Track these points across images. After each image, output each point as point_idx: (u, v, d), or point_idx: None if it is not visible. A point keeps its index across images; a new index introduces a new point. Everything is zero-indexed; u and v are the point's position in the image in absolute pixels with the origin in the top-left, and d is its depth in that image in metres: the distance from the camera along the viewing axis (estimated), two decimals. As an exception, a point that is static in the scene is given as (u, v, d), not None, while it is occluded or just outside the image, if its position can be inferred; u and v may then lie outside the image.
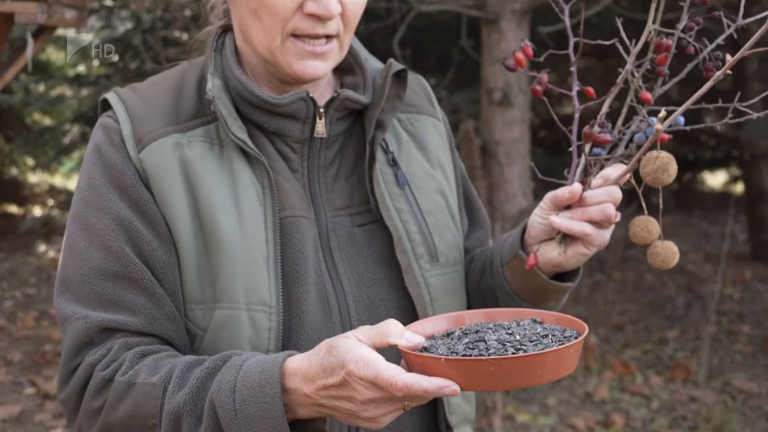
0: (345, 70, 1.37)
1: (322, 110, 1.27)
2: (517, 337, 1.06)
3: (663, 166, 1.16)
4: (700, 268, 7.13)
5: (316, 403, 1.05)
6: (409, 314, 1.27)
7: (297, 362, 1.06)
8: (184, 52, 5.43)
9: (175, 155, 1.23)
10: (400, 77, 1.33)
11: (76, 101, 7.65)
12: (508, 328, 1.10)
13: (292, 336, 1.21)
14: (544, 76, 1.23)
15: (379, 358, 1.00)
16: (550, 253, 1.26)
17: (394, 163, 1.32)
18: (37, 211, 8.76)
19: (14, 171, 8.90)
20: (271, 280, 1.20)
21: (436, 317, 1.17)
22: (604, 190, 1.20)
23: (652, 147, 1.17)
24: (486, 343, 1.04)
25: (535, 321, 1.13)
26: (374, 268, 1.28)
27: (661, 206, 1.30)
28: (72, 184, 9.26)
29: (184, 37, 5.18)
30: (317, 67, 1.24)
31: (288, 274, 1.22)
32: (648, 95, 1.20)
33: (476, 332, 1.10)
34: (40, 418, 4.21)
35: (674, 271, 6.92)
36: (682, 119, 1.23)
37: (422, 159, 1.36)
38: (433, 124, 1.40)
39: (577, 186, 1.21)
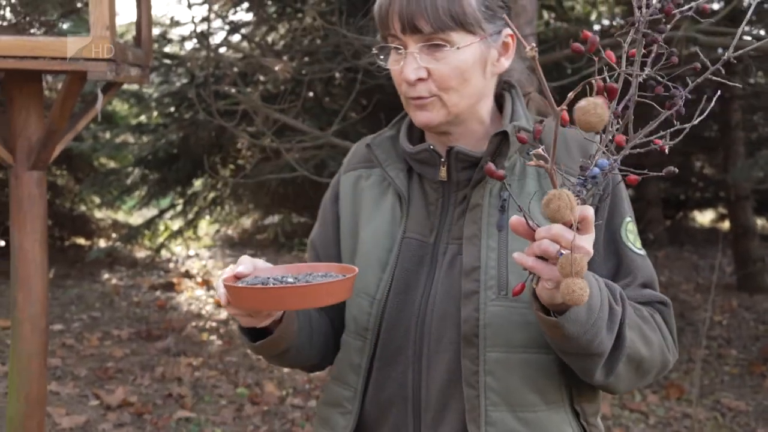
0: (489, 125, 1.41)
1: (443, 159, 1.37)
2: (299, 279, 1.28)
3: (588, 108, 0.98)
4: (691, 297, 7.06)
5: None
6: (464, 332, 1.30)
7: None
8: (233, 104, 5.47)
9: (355, 184, 1.47)
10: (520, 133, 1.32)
11: (138, 147, 7.72)
12: (309, 275, 1.30)
13: (382, 322, 1.37)
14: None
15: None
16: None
17: (502, 209, 1.32)
18: (102, 244, 8.81)
19: (83, 208, 8.97)
20: (382, 278, 1.37)
21: (283, 266, 1.35)
22: (545, 228, 1.07)
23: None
24: (279, 281, 1.26)
25: (327, 274, 1.30)
26: (457, 287, 1.32)
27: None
28: (133, 220, 9.31)
29: (233, 90, 5.23)
30: (423, 116, 1.33)
31: (396, 276, 1.37)
32: (622, 138, 1.07)
33: (289, 277, 1.30)
34: (103, 427, 4.22)
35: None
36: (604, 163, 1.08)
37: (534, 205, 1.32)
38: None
39: (513, 219, 1.11)
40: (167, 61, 6.79)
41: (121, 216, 9.39)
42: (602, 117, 0.98)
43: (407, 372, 1.35)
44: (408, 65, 1.30)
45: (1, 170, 7.86)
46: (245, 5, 6.53)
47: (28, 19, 6.69)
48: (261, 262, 1.32)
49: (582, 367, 1.23)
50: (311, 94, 6.31)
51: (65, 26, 7.93)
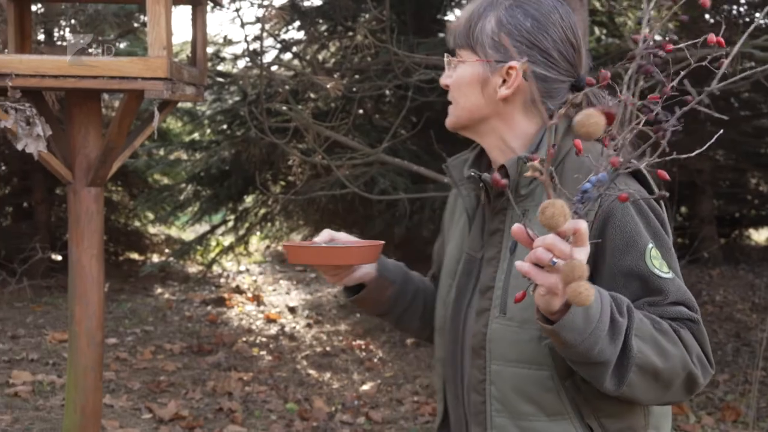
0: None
1: (481, 184, 1.48)
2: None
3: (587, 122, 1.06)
4: (747, 316, 6.90)
5: None
6: (473, 344, 1.46)
7: None
8: (285, 121, 5.52)
9: (453, 200, 1.66)
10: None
11: (191, 164, 7.83)
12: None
13: (450, 323, 1.53)
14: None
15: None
16: None
17: None
18: (155, 259, 8.94)
19: (137, 223, 9.11)
20: (452, 286, 1.54)
21: (355, 240, 1.61)
22: (542, 237, 1.13)
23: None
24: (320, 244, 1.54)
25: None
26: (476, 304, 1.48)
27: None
28: (185, 235, 9.44)
29: (284, 108, 5.28)
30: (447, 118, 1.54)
31: (456, 285, 1.53)
32: (617, 159, 1.14)
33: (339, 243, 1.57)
34: (155, 440, 4.28)
35: (724, 319, 6.71)
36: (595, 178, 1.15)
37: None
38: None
39: (514, 227, 1.17)
40: (220, 80, 6.89)
41: (173, 231, 9.53)
42: (598, 123, 1.06)
43: (456, 374, 1.50)
44: (444, 73, 1.53)
45: (60, 187, 8.05)
46: (297, 24, 6.61)
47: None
48: (342, 235, 1.59)
49: (591, 375, 1.27)
50: (361, 111, 6.35)
51: (122, 46, 8.12)
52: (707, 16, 6.70)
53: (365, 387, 5.17)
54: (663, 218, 1.39)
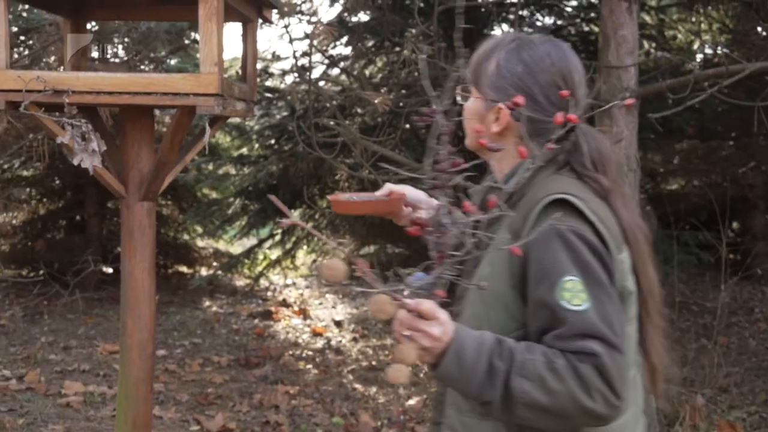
0: None
1: None
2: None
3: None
4: (802, 335, 6.75)
5: None
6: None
7: None
8: (332, 136, 5.55)
9: None
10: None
11: (239, 178, 7.91)
12: None
13: None
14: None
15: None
16: None
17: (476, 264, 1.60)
18: (204, 272, 9.04)
19: (186, 237, 9.22)
20: None
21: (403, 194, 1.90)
22: (399, 314, 1.45)
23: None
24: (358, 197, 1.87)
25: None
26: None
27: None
28: (233, 249, 9.53)
29: (332, 123, 5.32)
30: None
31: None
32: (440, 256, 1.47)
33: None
34: (203, 452, 4.31)
35: (777, 338, 6.56)
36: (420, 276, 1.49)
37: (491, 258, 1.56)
38: (508, 240, 1.51)
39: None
40: (268, 95, 6.97)
41: (222, 245, 9.63)
42: (337, 274, 1.46)
43: None
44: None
45: (111, 200, 8.19)
46: (344, 39, 6.66)
47: (138, 56, 6.98)
48: (402, 187, 1.89)
49: (486, 410, 1.48)
50: (407, 125, 6.36)
51: (172, 62, 8.24)
52: (759, 28, 6.59)
53: (411, 402, 5.16)
54: (599, 252, 1.46)
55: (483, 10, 6.04)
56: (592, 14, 6.74)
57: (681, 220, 6.70)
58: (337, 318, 7.62)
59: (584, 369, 1.40)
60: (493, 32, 6.89)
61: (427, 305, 1.43)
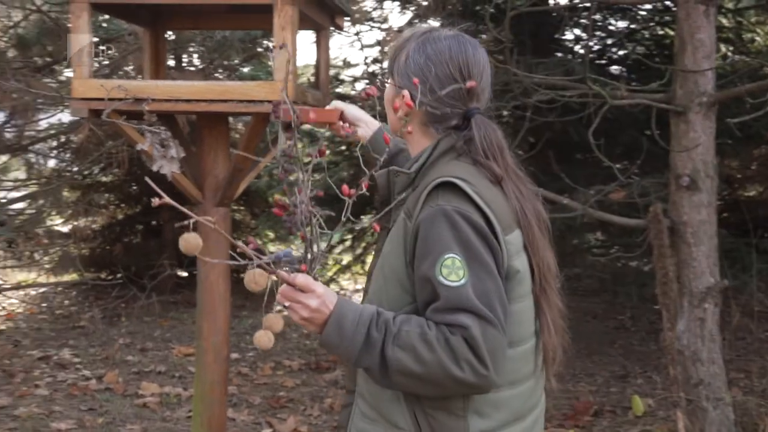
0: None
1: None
2: None
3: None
4: None
5: None
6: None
7: None
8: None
9: None
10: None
11: (310, 184, 7.96)
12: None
13: None
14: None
15: None
16: None
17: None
18: (275, 276, 9.14)
19: (258, 242, 9.34)
20: None
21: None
22: (281, 288, 1.62)
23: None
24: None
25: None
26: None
27: None
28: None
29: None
30: None
31: None
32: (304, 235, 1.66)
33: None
34: (274, 454, 4.36)
35: None
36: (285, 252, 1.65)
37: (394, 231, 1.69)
38: (403, 219, 1.65)
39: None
40: (339, 102, 7.00)
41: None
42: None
43: None
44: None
45: (187, 205, 8.37)
46: (414, 46, 6.67)
47: (213, 64, 7.11)
48: (351, 108, 2.10)
49: (369, 376, 1.61)
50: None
51: (246, 70, 8.37)
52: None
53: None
54: (483, 232, 1.55)
55: (554, 14, 5.98)
56: (667, 18, 6.60)
57: (759, 227, 6.51)
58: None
59: (454, 340, 1.50)
60: (564, 37, 6.81)
61: (301, 278, 1.57)
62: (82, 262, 7.41)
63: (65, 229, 8.06)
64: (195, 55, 7.37)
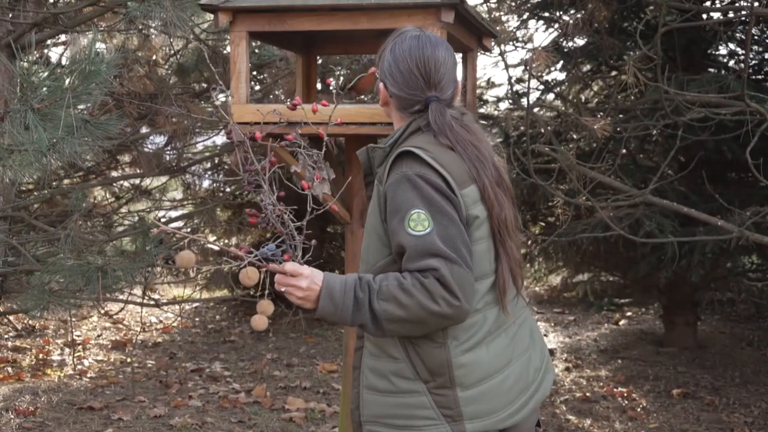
0: None
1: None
2: None
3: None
4: None
5: None
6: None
7: None
8: (546, 162, 5.52)
9: None
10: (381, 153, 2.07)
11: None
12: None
13: None
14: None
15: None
16: None
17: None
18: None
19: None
20: None
21: None
22: (277, 277, 1.92)
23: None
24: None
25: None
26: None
27: None
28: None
29: (547, 149, 5.27)
30: None
31: None
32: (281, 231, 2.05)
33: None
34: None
35: None
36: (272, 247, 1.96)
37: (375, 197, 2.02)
38: (376, 185, 2.01)
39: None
40: (483, 122, 7.02)
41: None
42: (189, 260, 1.89)
43: None
44: None
45: (331, 225, 8.57)
46: (560, 64, 6.60)
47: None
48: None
49: (365, 330, 1.91)
50: (624, 150, 6.18)
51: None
52: None
53: (628, 437, 4.98)
54: (441, 189, 1.86)
55: (707, 29, 5.77)
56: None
57: None
58: (549, 346, 7.49)
59: (428, 282, 1.81)
60: (718, 52, 6.56)
61: (289, 266, 1.89)
62: (233, 279, 7.71)
63: (216, 247, 8.41)
64: (341, 79, 7.56)
